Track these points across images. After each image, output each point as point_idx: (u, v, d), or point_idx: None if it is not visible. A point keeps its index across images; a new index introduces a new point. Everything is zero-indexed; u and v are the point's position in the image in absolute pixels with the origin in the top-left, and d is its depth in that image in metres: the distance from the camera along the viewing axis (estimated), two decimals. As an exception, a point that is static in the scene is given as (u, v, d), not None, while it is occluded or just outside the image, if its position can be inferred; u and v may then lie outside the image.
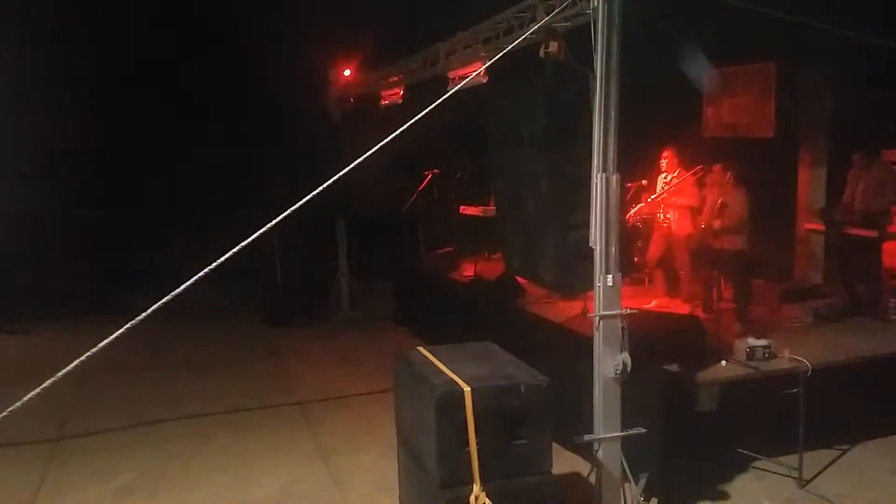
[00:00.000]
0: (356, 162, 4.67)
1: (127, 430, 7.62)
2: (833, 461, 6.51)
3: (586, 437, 5.25)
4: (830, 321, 7.67)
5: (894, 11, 7.10)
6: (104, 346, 3.85)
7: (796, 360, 6.19)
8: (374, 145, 4.79)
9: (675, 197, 8.45)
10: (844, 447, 6.70)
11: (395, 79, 10.45)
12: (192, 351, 10.62)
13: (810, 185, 9.75)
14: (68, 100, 12.60)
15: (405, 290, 11.91)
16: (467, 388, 4.48)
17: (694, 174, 8.38)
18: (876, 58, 7.19)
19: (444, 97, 5.12)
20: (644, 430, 5.30)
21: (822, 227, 9.02)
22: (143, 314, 3.92)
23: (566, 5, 5.49)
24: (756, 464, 6.37)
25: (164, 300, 3.97)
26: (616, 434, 5.24)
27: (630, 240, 9.18)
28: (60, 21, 12.55)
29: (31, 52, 12.09)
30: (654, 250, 8.85)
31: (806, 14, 5.82)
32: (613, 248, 5.11)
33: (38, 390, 3.70)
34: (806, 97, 9.57)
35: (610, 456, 5.25)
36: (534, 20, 6.05)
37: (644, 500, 5.59)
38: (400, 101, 10.59)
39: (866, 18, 6.19)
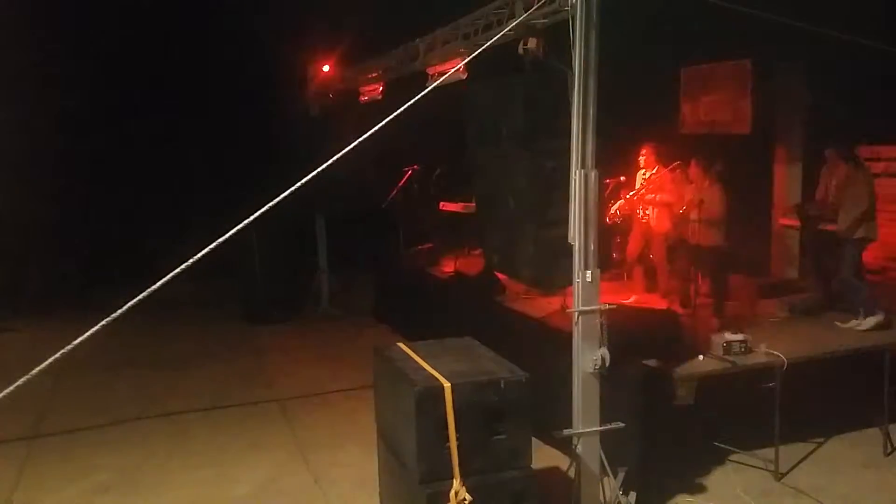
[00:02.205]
0: (335, 157, 4.66)
1: (104, 428, 7.57)
2: (808, 454, 6.60)
3: (565, 432, 5.28)
4: (806, 316, 7.75)
5: (869, 9, 7.20)
6: (79, 343, 3.82)
7: (772, 354, 6.25)
8: (354, 141, 4.78)
9: (652, 193, 8.49)
10: (819, 440, 6.79)
11: (375, 74, 10.43)
12: (170, 348, 10.54)
13: (786, 181, 9.86)
14: (49, 96, 12.49)
15: (385, 287, 11.90)
16: (447, 384, 4.50)
17: (672, 170, 8.44)
18: (851, 55, 7.27)
19: (423, 93, 5.12)
20: (622, 425, 5.34)
21: (798, 223, 9.10)
22: (119, 311, 3.90)
23: (544, 2, 5.50)
24: (733, 457, 6.44)
25: (139, 297, 3.94)
26: (595, 429, 5.28)
27: (609, 236, 9.23)
28: (53, 21, 12.44)
29: (28, 50, 12.00)
30: (633, 246, 8.90)
31: (782, 12, 5.88)
32: (592, 245, 5.14)
33: (11, 388, 3.66)
34: (782, 94, 9.67)
35: (589, 450, 5.29)
36: (512, 16, 6.07)
37: (623, 493, 5.62)
38: (379, 97, 10.57)
39: (842, 16, 6.26)
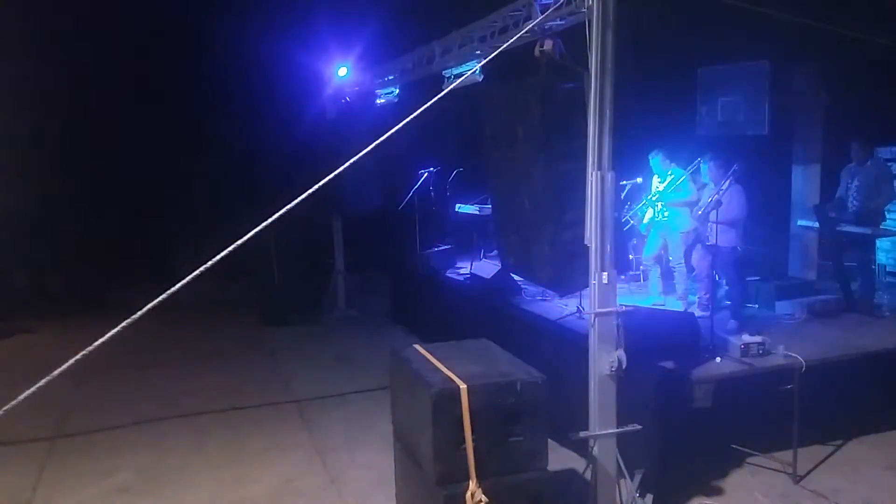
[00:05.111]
0: (352, 160, 4.69)
1: (124, 428, 7.63)
2: (827, 457, 6.54)
3: (582, 434, 5.27)
4: (824, 318, 7.70)
5: (886, 9, 7.14)
6: (100, 345, 3.87)
7: (791, 356, 6.22)
8: (370, 143, 4.81)
9: (670, 194, 8.47)
10: (838, 443, 6.73)
11: (391, 77, 10.47)
12: (189, 349, 10.62)
13: (804, 181, 9.79)
14: (66, 100, 12.62)
15: (401, 288, 11.93)
16: (463, 386, 4.50)
17: (689, 171, 8.41)
18: (869, 55, 7.23)
19: (439, 95, 5.14)
20: (639, 427, 5.33)
21: (816, 224, 9.04)
22: (139, 312, 3.95)
23: (561, 4, 5.51)
24: (751, 459, 6.40)
25: (159, 298, 3.99)
26: (611, 430, 5.27)
27: (626, 237, 9.21)
28: (60, 23, 12.56)
29: (31, 51, 12.11)
30: (650, 247, 8.88)
31: (800, 12, 5.86)
32: (608, 246, 5.14)
33: (33, 389, 3.72)
34: (800, 95, 9.60)
35: (605, 452, 5.28)
36: (529, 18, 6.08)
37: (639, 496, 5.61)
38: (396, 100, 10.61)
39: (859, 16, 6.22)
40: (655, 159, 8.60)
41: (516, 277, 8.66)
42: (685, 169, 8.52)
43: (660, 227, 8.71)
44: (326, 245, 12.54)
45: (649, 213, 8.86)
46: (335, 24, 11.96)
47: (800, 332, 7.22)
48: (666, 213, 8.58)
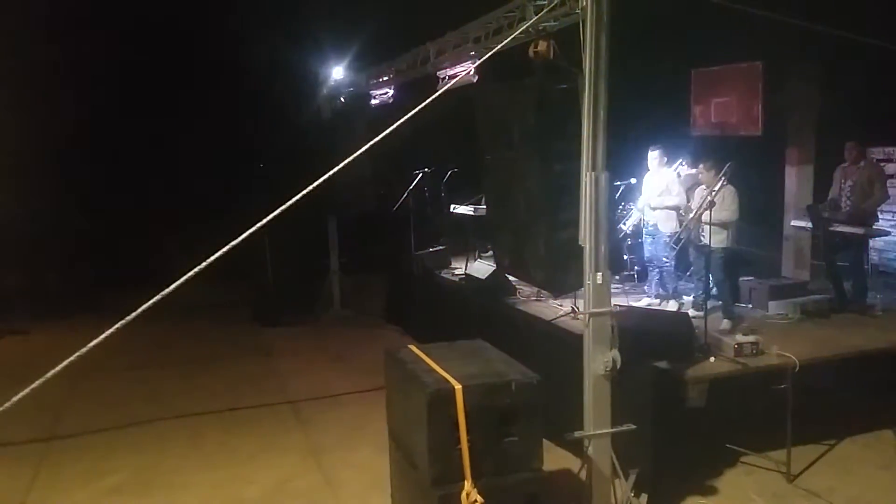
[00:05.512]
0: (347, 160, 4.69)
1: (119, 430, 7.62)
2: (821, 456, 6.57)
3: (577, 434, 5.28)
4: (818, 317, 7.72)
5: (881, 11, 7.18)
6: (95, 346, 3.87)
7: (784, 356, 6.24)
8: (365, 144, 4.82)
9: (661, 196, 8.48)
10: (832, 442, 6.76)
11: (386, 78, 10.48)
12: (184, 350, 10.62)
13: (797, 182, 9.82)
14: (64, 100, 12.60)
15: (396, 289, 11.93)
16: (458, 386, 4.51)
17: (677, 171, 8.44)
18: (862, 57, 7.26)
19: (433, 96, 5.15)
20: (634, 427, 5.34)
21: (809, 225, 9.07)
22: (134, 314, 3.94)
23: (555, 5, 5.52)
24: (745, 459, 6.42)
25: (153, 300, 3.98)
26: (606, 430, 5.28)
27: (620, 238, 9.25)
28: (59, 21, 12.55)
29: (30, 51, 12.11)
30: (643, 248, 8.90)
31: (793, 14, 5.88)
32: (603, 247, 5.15)
33: (27, 390, 3.71)
34: (793, 96, 9.64)
35: (600, 452, 5.29)
36: (523, 20, 6.09)
37: (634, 495, 5.62)
38: (390, 101, 10.62)
39: (853, 18, 6.25)
40: (654, 153, 8.60)
41: (511, 278, 8.66)
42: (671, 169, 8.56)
43: (648, 230, 8.73)
44: (321, 246, 12.54)
45: (634, 217, 8.89)
46: (330, 26, 11.97)
47: (793, 332, 7.24)
48: (654, 216, 8.59)
